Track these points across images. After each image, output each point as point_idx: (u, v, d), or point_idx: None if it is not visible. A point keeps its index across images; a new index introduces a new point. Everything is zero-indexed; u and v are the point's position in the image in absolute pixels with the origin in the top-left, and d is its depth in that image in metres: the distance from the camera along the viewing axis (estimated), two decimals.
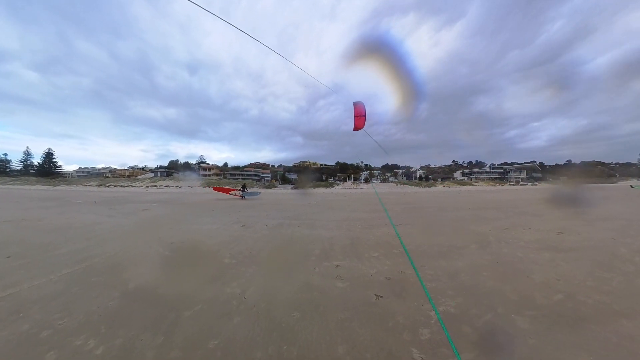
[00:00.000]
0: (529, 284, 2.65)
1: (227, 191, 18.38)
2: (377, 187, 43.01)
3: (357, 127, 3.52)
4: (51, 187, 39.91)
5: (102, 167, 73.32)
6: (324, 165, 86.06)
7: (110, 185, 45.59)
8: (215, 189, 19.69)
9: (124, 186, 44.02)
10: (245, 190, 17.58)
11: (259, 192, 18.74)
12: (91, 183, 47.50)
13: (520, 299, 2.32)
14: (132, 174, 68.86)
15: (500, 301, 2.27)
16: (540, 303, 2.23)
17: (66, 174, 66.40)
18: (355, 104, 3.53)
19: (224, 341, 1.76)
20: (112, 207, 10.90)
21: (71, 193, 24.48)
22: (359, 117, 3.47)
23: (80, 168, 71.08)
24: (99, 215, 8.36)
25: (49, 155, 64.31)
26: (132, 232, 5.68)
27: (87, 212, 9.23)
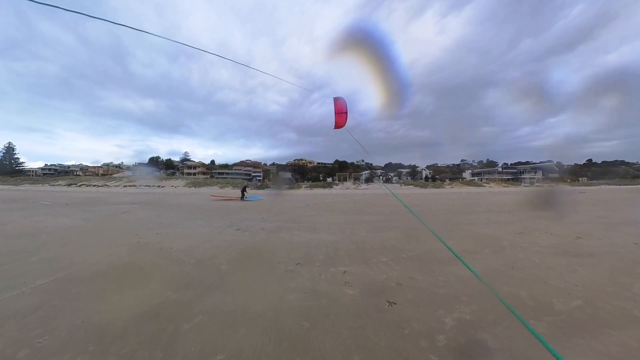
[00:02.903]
0: (546, 289, 2.79)
1: (226, 198, 17.92)
2: (379, 188, 43.32)
3: (338, 125, 3.52)
4: (13, 187, 39.05)
5: (72, 164, 71.97)
6: (321, 163, 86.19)
7: (82, 184, 44.83)
8: (213, 196, 19.28)
9: (98, 186, 43.34)
10: (246, 193, 17.08)
11: (261, 197, 18.19)
12: (60, 182, 46.59)
13: (538, 304, 2.45)
14: (107, 172, 67.80)
15: (518, 307, 2.40)
16: (558, 309, 2.37)
17: (30, 171, 64.94)
18: (336, 100, 3.54)
19: (231, 355, 1.79)
20: (86, 210, 10.78)
21: (37, 193, 24.00)
22: (340, 114, 3.49)
23: (46, 165, 69.52)
24: (73, 218, 8.28)
25: (9, 150, 62.80)
26: (112, 238, 5.62)
27: (58, 214, 9.11)
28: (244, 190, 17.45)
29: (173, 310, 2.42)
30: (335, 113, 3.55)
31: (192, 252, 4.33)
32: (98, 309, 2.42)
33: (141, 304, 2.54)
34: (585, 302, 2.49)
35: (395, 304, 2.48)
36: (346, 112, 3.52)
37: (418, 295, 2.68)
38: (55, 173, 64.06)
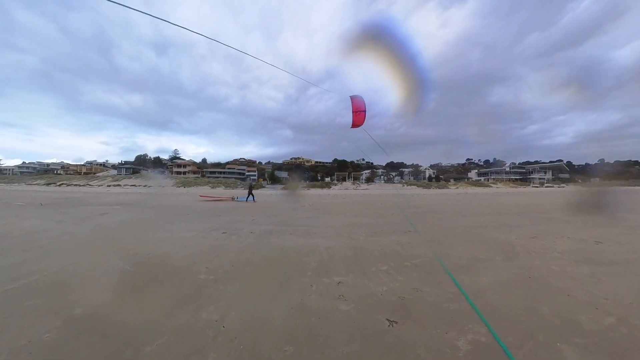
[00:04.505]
0: (571, 304, 2.57)
1: (216, 198, 17.15)
2: (379, 189, 43.27)
3: (356, 124, 3.55)
4: None
5: (53, 162, 71.19)
6: (320, 162, 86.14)
7: (62, 184, 44.22)
8: (202, 196, 18.52)
9: (80, 185, 42.78)
10: (252, 192, 16.12)
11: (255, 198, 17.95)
12: (38, 181, 45.96)
13: (564, 323, 2.22)
14: (90, 170, 67.08)
15: (541, 326, 2.17)
16: (588, 328, 2.14)
17: (6, 170, 64.13)
18: (353, 98, 3.53)
19: None
20: (63, 211, 10.47)
21: (11, 193, 23.58)
22: (358, 113, 3.48)
23: (24, 163, 68.72)
24: (46, 220, 8.00)
25: None
26: (85, 242, 5.43)
27: (30, 216, 8.83)
28: (251, 189, 16.65)
29: (135, 329, 2.19)
30: (352, 112, 3.51)
31: (169, 259, 4.10)
32: (49, 327, 2.20)
33: (100, 320, 2.31)
34: (618, 319, 2.26)
35: (396, 322, 2.23)
36: (364, 110, 3.48)
37: (424, 311, 2.43)
38: (33, 171, 63.26)
